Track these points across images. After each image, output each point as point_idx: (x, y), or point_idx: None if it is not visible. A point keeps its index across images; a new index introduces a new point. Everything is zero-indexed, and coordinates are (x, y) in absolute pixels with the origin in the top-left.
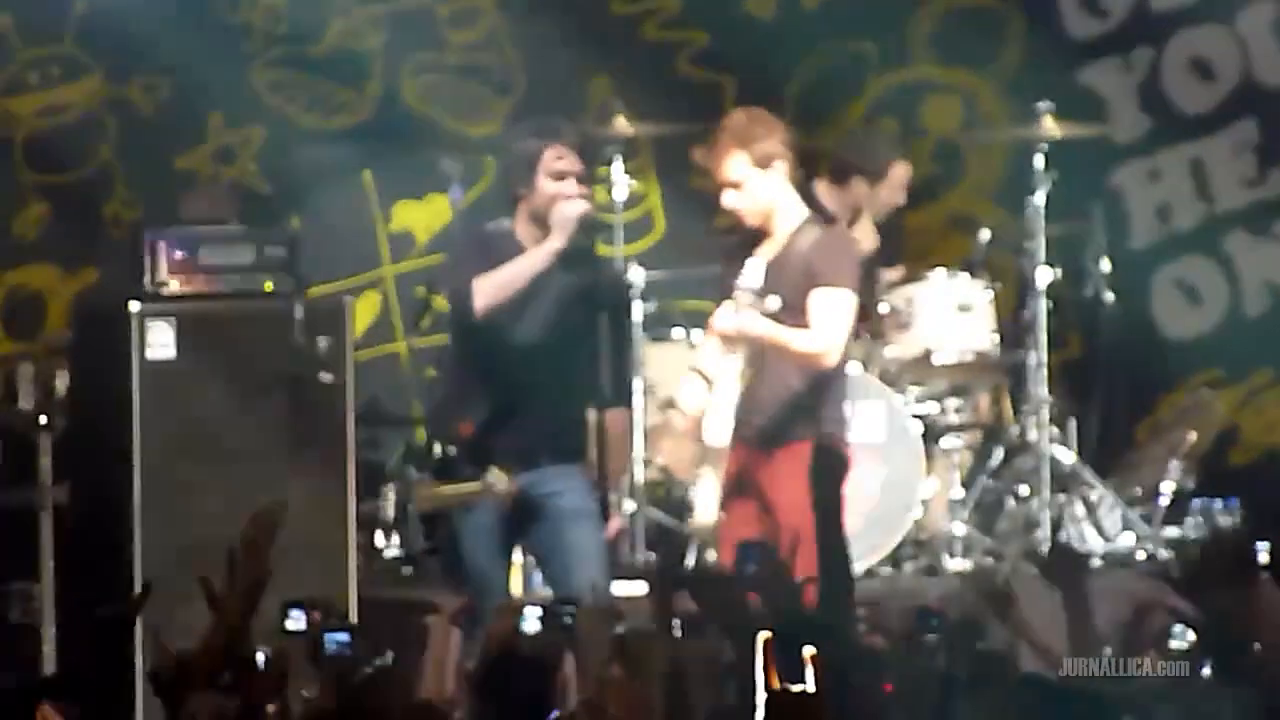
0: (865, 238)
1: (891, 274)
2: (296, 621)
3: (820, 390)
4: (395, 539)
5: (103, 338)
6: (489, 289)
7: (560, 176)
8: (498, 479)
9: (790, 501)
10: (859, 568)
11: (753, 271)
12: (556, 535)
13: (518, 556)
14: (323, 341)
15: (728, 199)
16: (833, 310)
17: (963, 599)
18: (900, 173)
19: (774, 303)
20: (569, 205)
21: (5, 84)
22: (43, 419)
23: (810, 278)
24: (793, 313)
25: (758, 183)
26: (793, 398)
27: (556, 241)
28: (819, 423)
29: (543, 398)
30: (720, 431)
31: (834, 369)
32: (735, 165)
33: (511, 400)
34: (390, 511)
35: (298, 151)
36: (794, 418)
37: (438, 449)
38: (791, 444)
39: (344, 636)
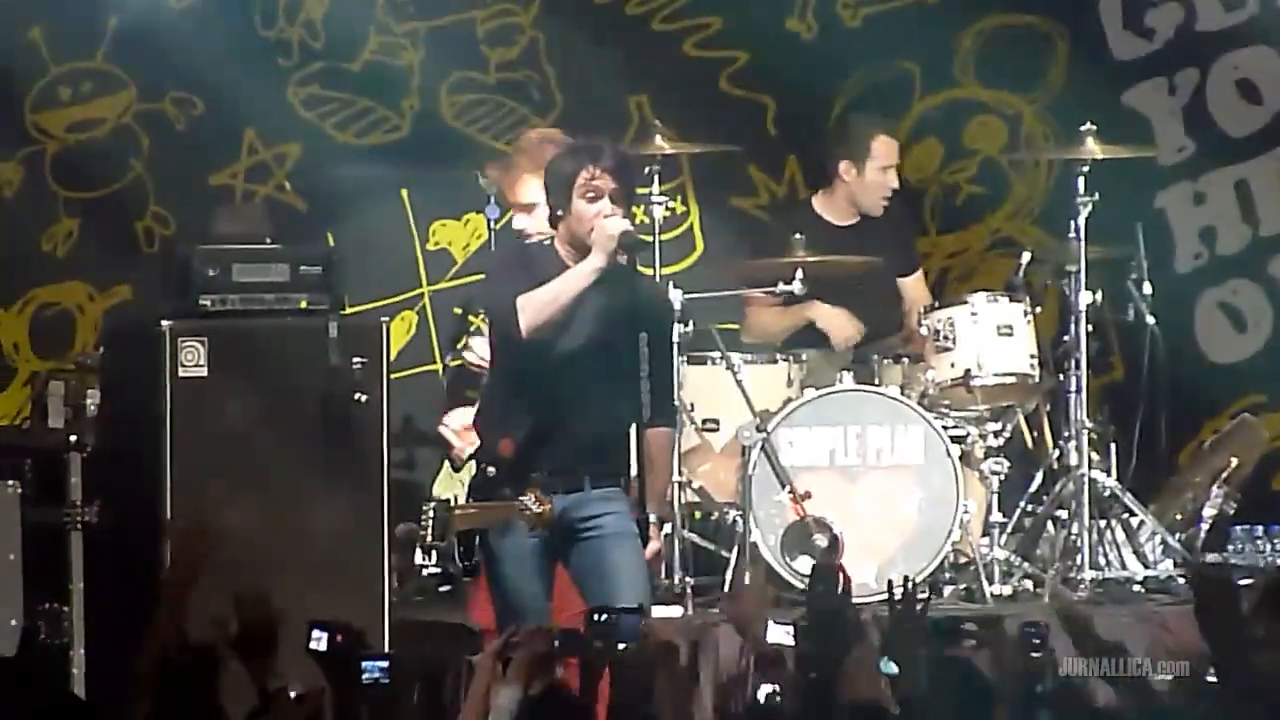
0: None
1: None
2: (319, 642)
3: None
4: (434, 558)
5: (135, 356)
6: (533, 307)
7: (597, 196)
8: (534, 501)
9: None
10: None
11: None
12: (597, 557)
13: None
14: (358, 361)
15: (518, 221)
16: None
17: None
18: (883, 147)
19: None
20: (610, 223)
21: (36, 98)
22: (73, 438)
23: None
24: None
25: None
26: None
27: (598, 259)
28: None
29: (584, 417)
30: None
31: None
32: (528, 188)
33: (552, 419)
34: (430, 531)
35: (334, 169)
36: None
37: (475, 468)
38: None
39: (382, 663)
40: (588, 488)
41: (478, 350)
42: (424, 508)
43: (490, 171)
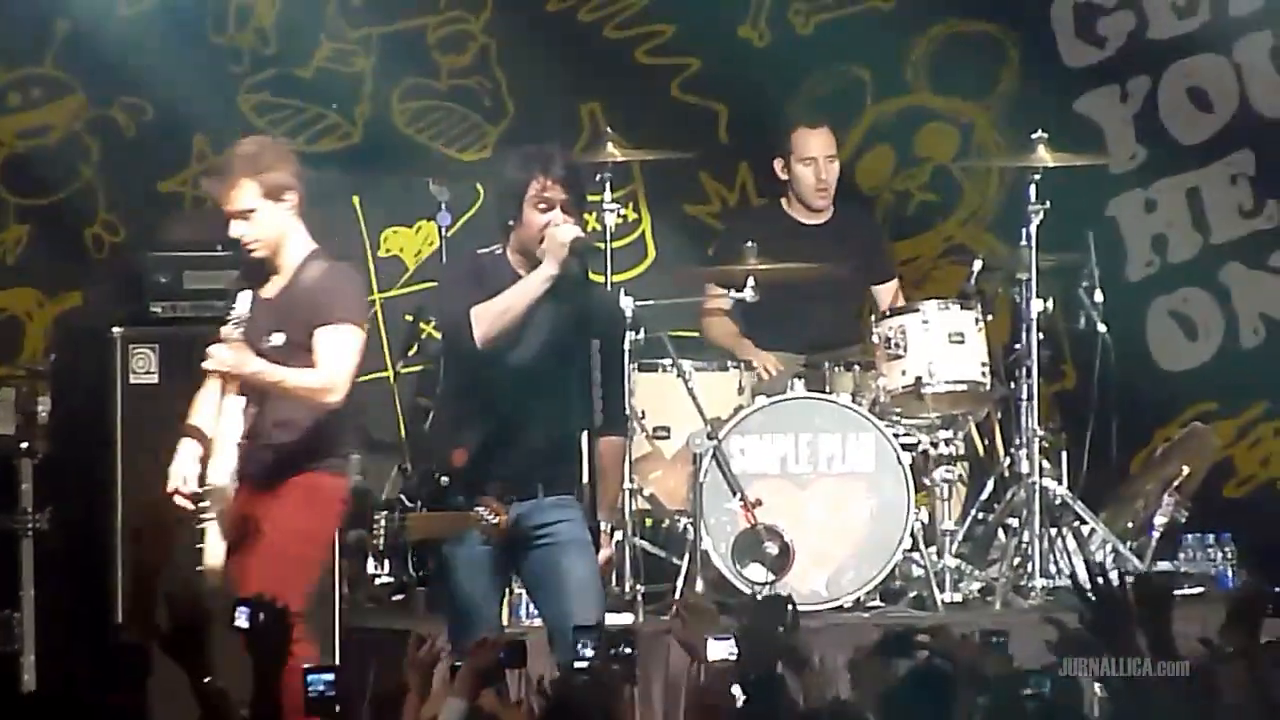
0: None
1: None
2: (241, 619)
3: (323, 427)
4: (386, 567)
5: (85, 362)
6: (487, 318)
7: (549, 206)
8: (490, 511)
9: (283, 536)
10: (849, 599)
11: (243, 304)
12: (551, 565)
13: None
14: None
15: (235, 229)
16: (336, 347)
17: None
18: (801, 139)
19: (277, 339)
20: (561, 231)
21: None
22: (24, 444)
23: (314, 313)
24: (298, 350)
25: (267, 213)
26: (296, 435)
27: (550, 268)
28: (318, 458)
29: (537, 426)
30: (222, 471)
31: (340, 405)
32: (244, 194)
33: (506, 428)
34: (381, 539)
35: None
36: (294, 454)
37: (429, 477)
38: (291, 480)
39: (328, 676)
40: (541, 496)
41: None
42: (376, 516)
43: (204, 181)
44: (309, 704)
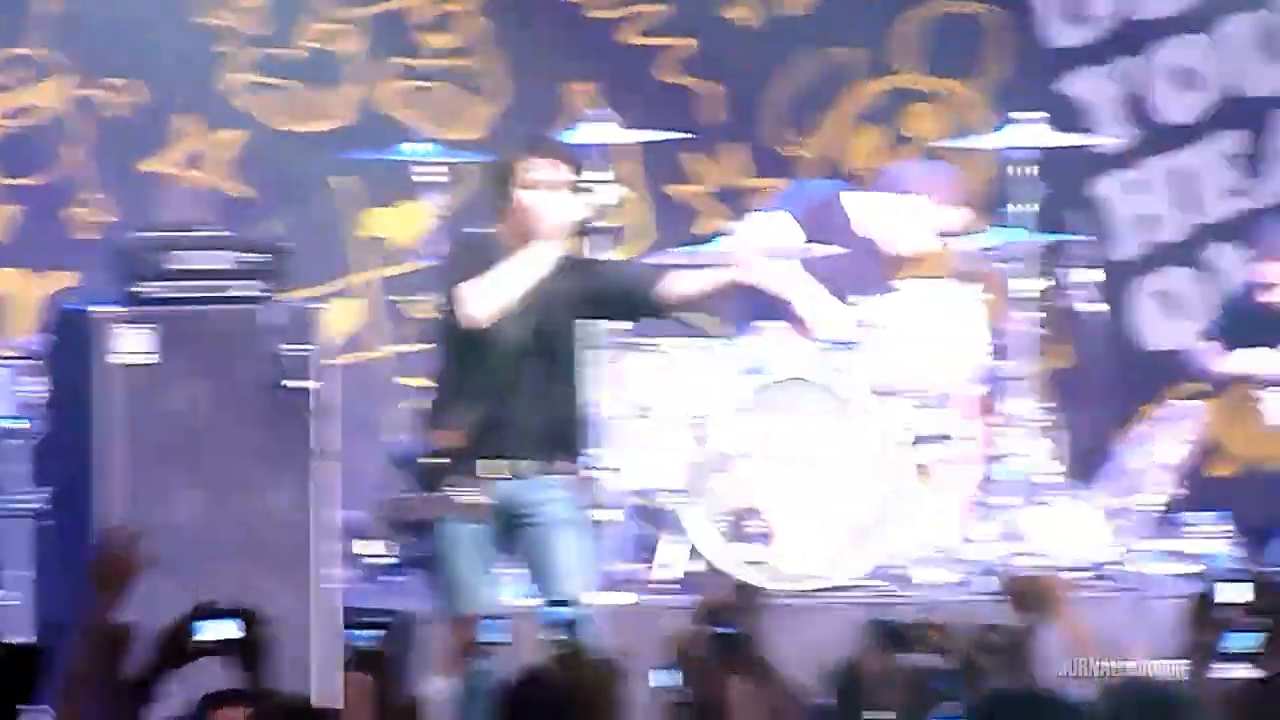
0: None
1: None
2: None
3: None
4: (384, 548)
5: (76, 342)
6: (479, 295)
7: (541, 187)
8: (469, 492)
9: None
10: (839, 580)
11: None
12: (542, 545)
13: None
14: (300, 348)
15: None
16: None
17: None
18: None
19: None
20: (554, 212)
21: None
22: (18, 425)
23: None
24: None
25: None
26: None
27: (544, 249)
28: None
29: (532, 405)
30: None
31: None
32: None
33: (501, 407)
34: (388, 519)
35: (272, 155)
36: None
37: (423, 458)
38: None
39: (376, 633)
40: (533, 475)
41: None
42: (383, 498)
43: None
44: (358, 659)
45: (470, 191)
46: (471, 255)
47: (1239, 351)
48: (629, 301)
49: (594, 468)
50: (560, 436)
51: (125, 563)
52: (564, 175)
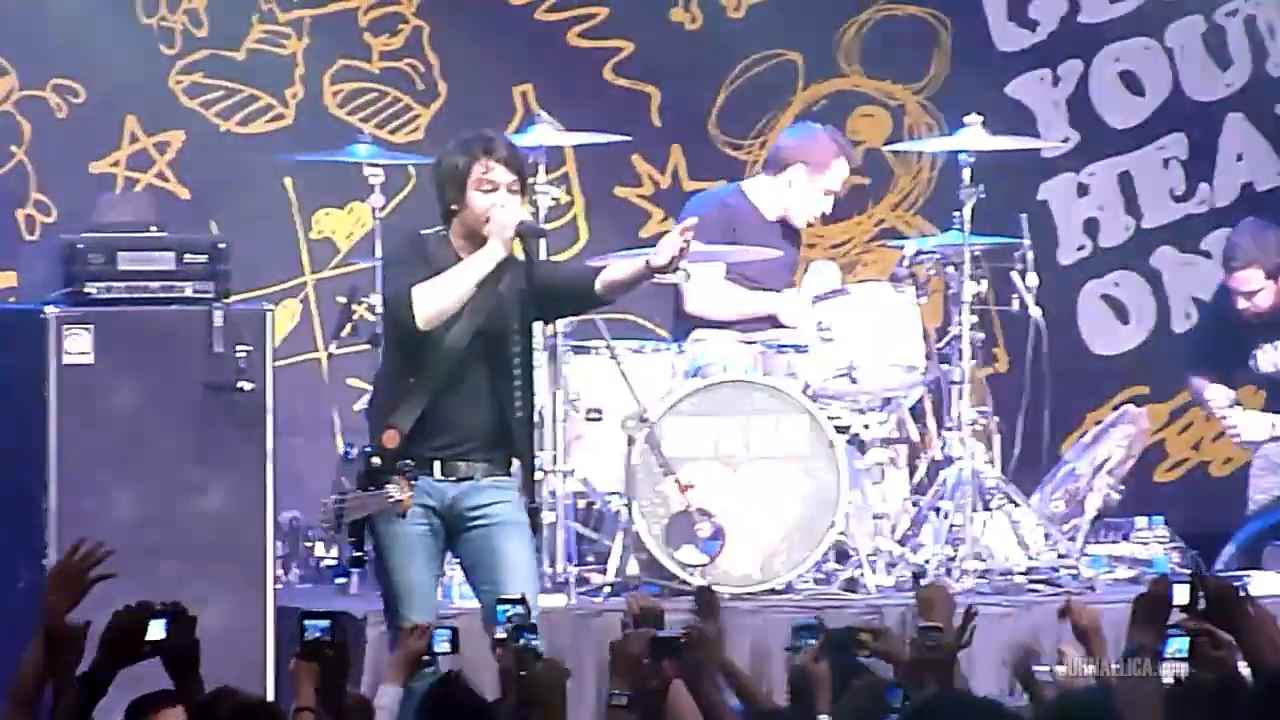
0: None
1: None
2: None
3: None
4: (332, 549)
5: (18, 343)
6: (429, 297)
7: (492, 188)
8: (398, 489)
9: None
10: (780, 582)
11: None
12: (487, 547)
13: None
14: (242, 349)
15: None
16: None
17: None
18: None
19: None
20: (506, 213)
21: None
22: None
23: None
24: None
25: None
26: None
27: (495, 249)
28: None
29: (474, 407)
30: None
31: None
32: None
33: (443, 408)
34: (323, 521)
35: (217, 157)
36: None
37: (362, 458)
38: None
39: (324, 623)
40: (478, 477)
41: None
42: (323, 500)
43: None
44: (305, 648)
45: (414, 193)
46: (421, 255)
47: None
48: (574, 296)
49: (541, 470)
50: (507, 438)
51: (83, 571)
52: (514, 177)
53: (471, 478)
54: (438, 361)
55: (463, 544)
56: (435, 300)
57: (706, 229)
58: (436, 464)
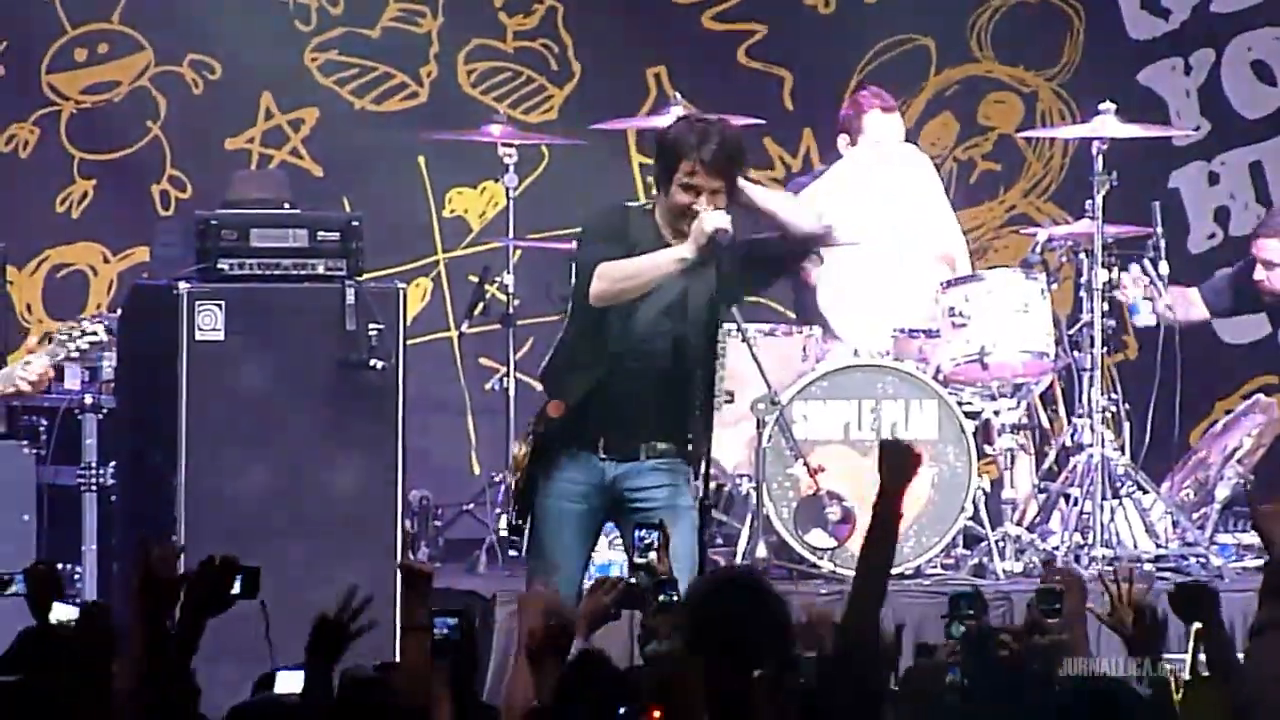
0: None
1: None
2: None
3: None
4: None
5: (151, 318)
6: (610, 277)
7: (696, 191)
8: (518, 445)
9: None
10: (909, 567)
11: None
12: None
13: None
14: (374, 327)
15: None
16: None
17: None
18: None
19: None
20: (707, 220)
21: (53, 59)
22: (89, 399)
23: None
24: None
25: None
26: None
27: (687, 251)
28: None
29: (647, 389)
30: None
31: None
32: None
33: (614, 388)
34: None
35: (351, 134)
36: None
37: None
38: None
39: (453, 621)
40: (643, 458)
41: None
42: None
43: None
44: (435, 647)
45: (547, 172)
46: (620, 230)
47: None
48: (768, 259)
49: (700, 456)
50: (680, 426)
51: (172, 567)
52: (720, 184)
53: (635, 459)
54: (618, 338)
55: (625, 526)
56: (615, 282)
57: None
58: (600, 441)
